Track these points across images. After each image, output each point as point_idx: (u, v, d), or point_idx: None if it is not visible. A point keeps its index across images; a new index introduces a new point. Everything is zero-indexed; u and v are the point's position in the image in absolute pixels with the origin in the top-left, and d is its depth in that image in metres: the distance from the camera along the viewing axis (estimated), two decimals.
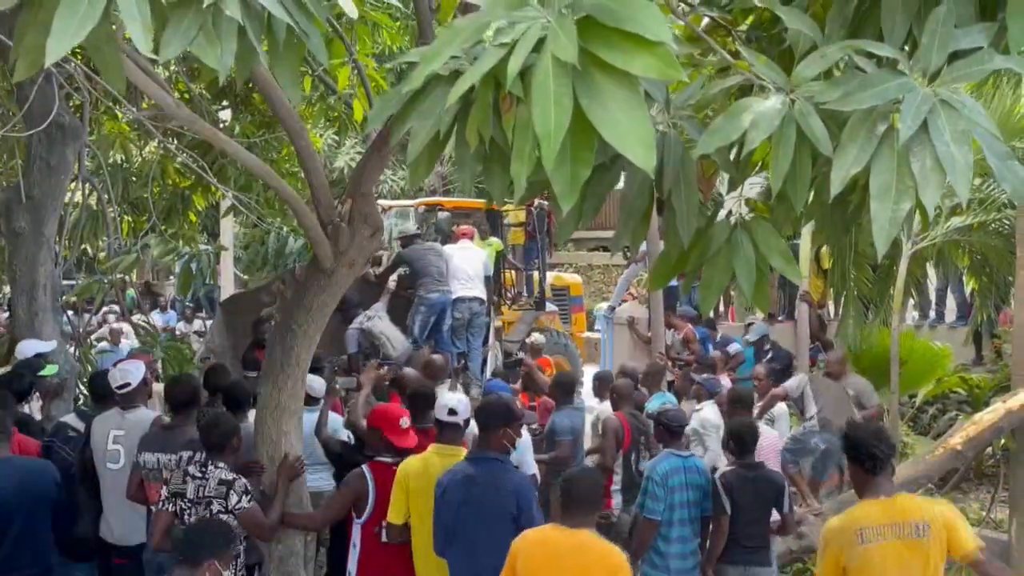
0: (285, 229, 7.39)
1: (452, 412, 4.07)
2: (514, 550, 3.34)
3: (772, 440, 6.19)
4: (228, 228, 14.06)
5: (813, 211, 2.14)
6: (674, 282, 11.54)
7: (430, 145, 1.92)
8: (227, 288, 14.64)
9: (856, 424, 4.15)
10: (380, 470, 4.07)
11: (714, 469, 5.15)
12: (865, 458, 3.41)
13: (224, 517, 3.82)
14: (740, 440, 4.85)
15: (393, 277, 8.64)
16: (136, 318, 10.86)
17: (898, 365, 7.30)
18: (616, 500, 6.02)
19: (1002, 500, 7.49)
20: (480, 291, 8.76)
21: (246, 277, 18.31)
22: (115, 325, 11.15)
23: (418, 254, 8.45)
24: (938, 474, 6.71)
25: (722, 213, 2.24)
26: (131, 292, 10.66)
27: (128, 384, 4.74)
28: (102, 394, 5.06)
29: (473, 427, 4.30)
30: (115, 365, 5.18)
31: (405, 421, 4.28)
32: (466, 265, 8.69)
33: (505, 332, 10.96)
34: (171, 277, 15.40)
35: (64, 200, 7.06)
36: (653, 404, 6.39)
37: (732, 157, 2.10)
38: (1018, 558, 6.44)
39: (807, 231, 7.59)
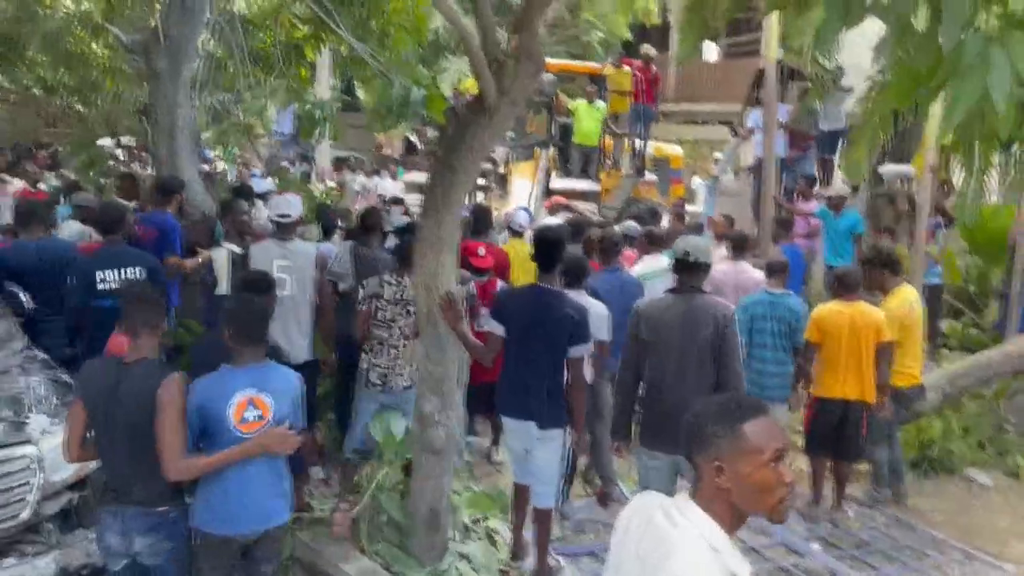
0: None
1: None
2: (815, 316, 5.41)
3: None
4: (325, 81, 14.17)
5: None
6: (782, 153, 11.24)
7: None
8: (323, 145, 14.89)
9: (879, 246, 6.31)
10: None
11: None
12: (896, 264, 5.66)
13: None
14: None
15: None
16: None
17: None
18: None
19: None
20: None
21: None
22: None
23: None
24: None
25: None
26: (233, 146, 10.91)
27: (288, 215, 5.02)
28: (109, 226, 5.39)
29: None
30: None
31: (481, 251, 5.64)
32: None
33: (602, 199, 11.00)
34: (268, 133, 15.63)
35: (199, 44, 7.21)
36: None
37: None
38: None
39: (935, 109, 7.27)
